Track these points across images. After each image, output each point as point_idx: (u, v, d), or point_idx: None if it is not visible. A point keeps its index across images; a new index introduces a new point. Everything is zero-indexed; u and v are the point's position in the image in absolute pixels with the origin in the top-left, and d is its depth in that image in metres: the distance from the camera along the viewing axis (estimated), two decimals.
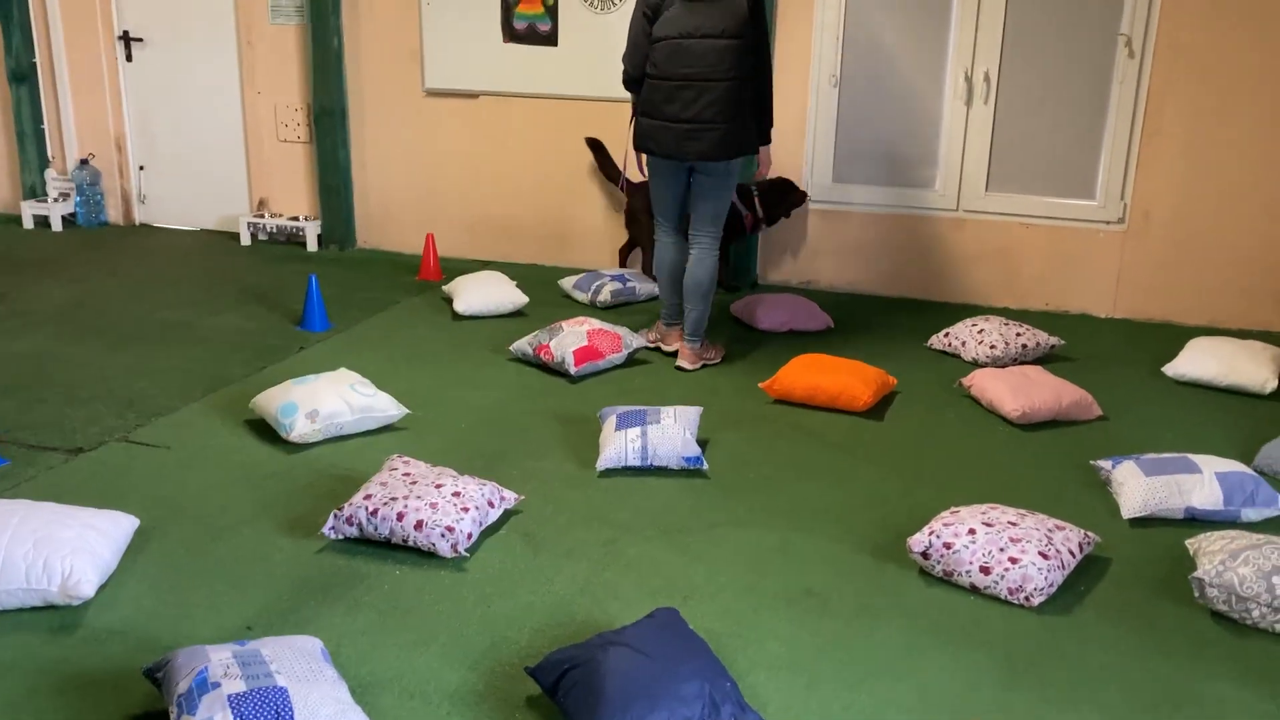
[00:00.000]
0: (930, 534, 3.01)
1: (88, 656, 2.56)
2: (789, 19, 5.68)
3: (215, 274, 6.07)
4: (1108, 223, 5.54)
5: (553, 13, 6.04)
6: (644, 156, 4.64)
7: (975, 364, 4.78)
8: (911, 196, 5.77)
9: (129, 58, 6.92)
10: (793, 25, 5.68)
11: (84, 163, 7.02)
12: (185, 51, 6.81)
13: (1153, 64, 5.29)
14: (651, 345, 4.93)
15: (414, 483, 3.17)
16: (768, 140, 4.65)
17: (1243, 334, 5.29)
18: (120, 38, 6.88)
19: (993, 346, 4.76)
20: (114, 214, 7.19)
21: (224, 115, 6.82)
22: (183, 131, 6.95)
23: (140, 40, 6.87)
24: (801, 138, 5.82)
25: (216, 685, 2.18)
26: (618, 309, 5.55)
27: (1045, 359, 4.88)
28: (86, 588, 2.70)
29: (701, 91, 4.33)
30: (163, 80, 6.91)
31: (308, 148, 6.66)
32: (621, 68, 4.59)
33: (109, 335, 4.93)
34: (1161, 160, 5.39)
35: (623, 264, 6.14)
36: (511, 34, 6.13)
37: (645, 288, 5.71)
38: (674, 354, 4.80)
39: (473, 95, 6.29)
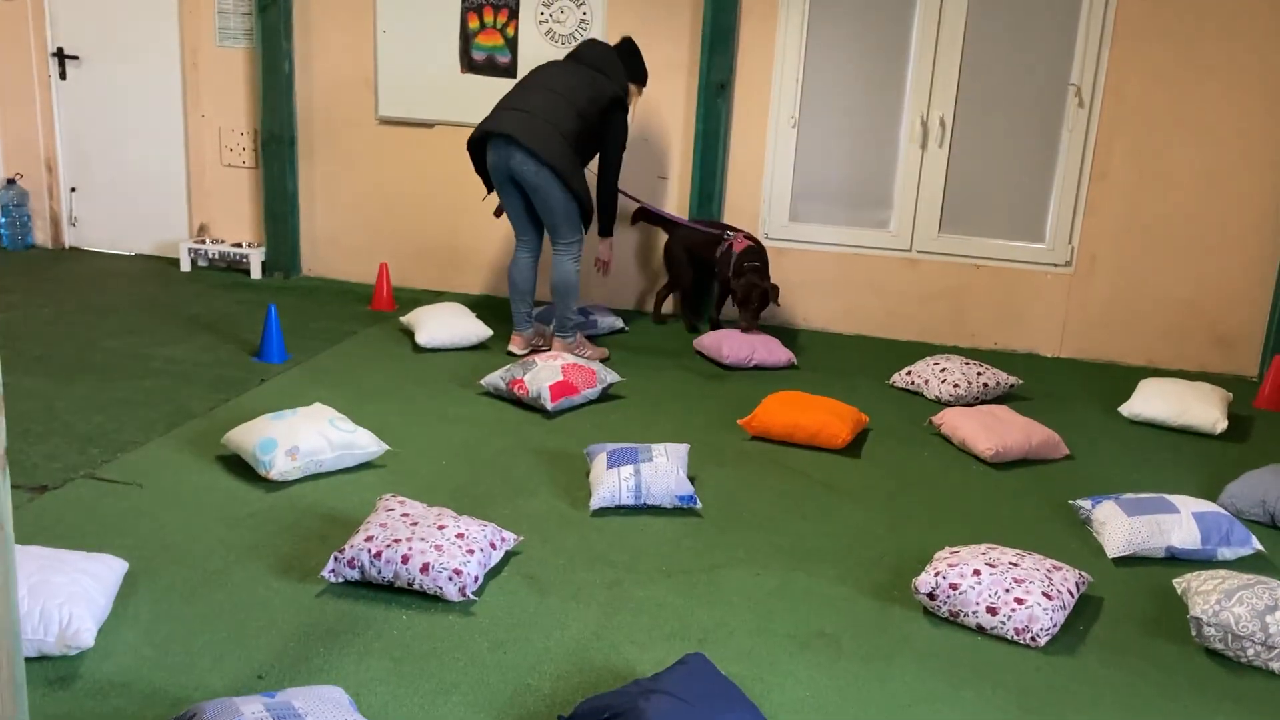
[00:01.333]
0: (936, 575, 3.05)
1: (92, 711, 2.43)
2: (749, 59, 5.77)
3: (157, 301, 5.87)
4: (1056, 265, 5.73)
5: (512, 45, 6.02)
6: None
7: (939, 402, 4.88)
8: (866, 236, 5.88)
9: (63, 75, 6.68)
10: (753, 66, 5.76)
11: (10, 182, 6.75)
12: (124, 71, 6.60)
13: (1101, 112, 5.50)
14: (521, 352, 5.29)
15: (414, 524, 3.10)
16: (608, 232, 5.26)
17: (1182, 374, 5.51)
18: (54, 54, 6.64)
19: (955, 385, 4.87)
20: (41, 236, 6.91)
21: (164, 138, 6.63)
22: (119, 153, 6.72)
23: (75, 58, 6.64)
24: (759, 176, 5.90)
25: None
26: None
27: (1005, 398, 5.00)
28: (86, 637, 2.57)
29: (535, 95, 4.91)
30: (99, 99, 6.68)
31: (253, 173, 6.51)
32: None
33: (52, 365, 4.73)
34: (1107, 205, 5.59)
35: (659, 308, 6.03)
36: (470, 64, 6.09)
37: (605, 320, 5.71)
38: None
39: (428, 125, 6.22)
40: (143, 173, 6.71)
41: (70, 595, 2.61)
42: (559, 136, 4.81)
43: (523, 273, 5.19)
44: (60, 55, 6.65)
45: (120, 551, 3.11)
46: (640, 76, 5.21)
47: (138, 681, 2.55)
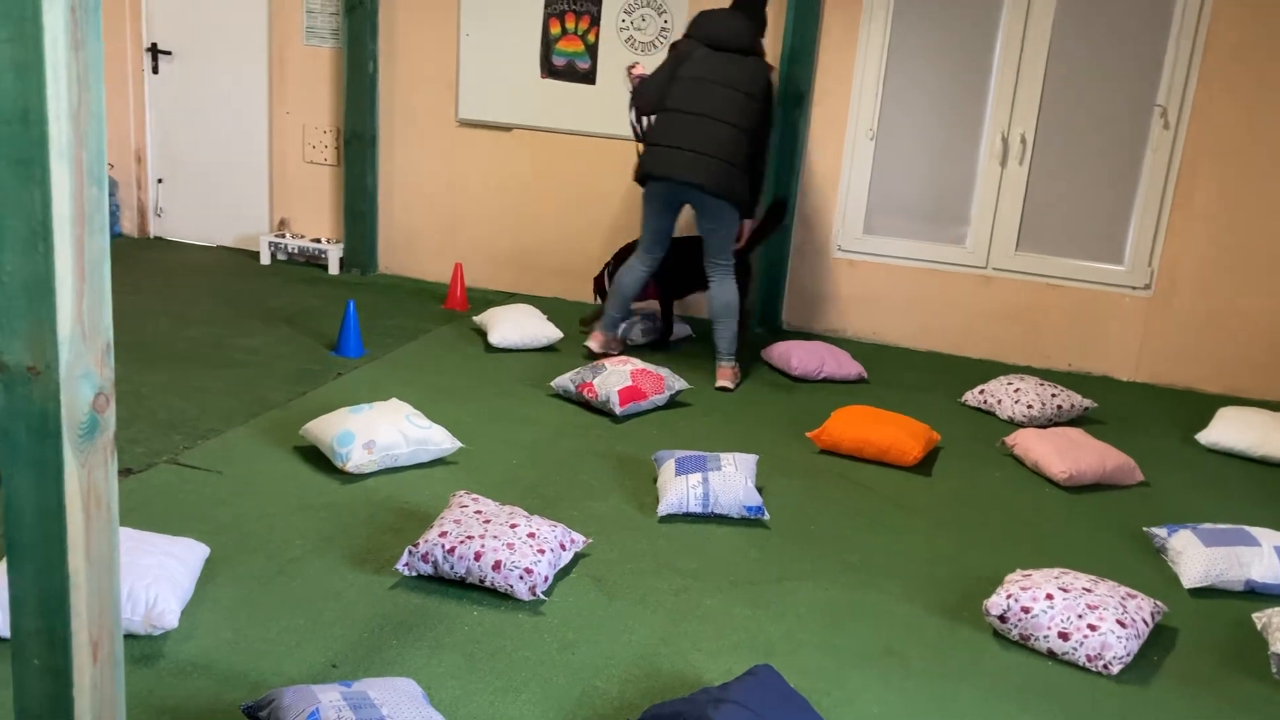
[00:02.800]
0: (1008, 597, 3.02)
1: (175, 689, 2.50)
2: (829, 71, 5.75)
3: (239, 293, 6.00)
4: (1134, 288, 5.63)
5: (593, 51, 6.07)
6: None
7: (1011, 423, 4.82)
8: (941, 252, 5.83)
9: (155, 70, 6.86)
10: (833, 77, 5.75)
11: None
12: (214, 67, 6.77)
13: (1186, 135, 5.40)
14: (599, 351, 5.22)
15: (487, 521, 3.14)
16: (751, 215, 5.09)
17: (1263, 404, 5.39)
18: (148, 49, 6.83)
19: (1029, 406, 4.81)
20: (128, 226, 7.10)
21: (249, 133, 6.78)
22: (205, 147, 6.89)
23: (169, 53, 6.82)
24: (835, 188, 5.88)
25: None
26: (647, 348, 5.56)
27: (1078, 421, 4.93)
28: (170, 618, 2.64)
29: (709, 128, 4.74)
30: (189, 94, 6.86)
31: (335, 170, 6.63)
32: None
33: (139, 352, 4.86)
34: (1190, 229, 5.49)
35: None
36: (550, 70, 6.15)
37: (676, 328, 5.72)
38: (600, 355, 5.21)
39: (506, 128, 6.30)
40: (227, 167, 6.87)
41: (157, 577, 2.69)
42: (735, 170, 4.76)
43: (637, 283, 5.09)
44: (154, 50, 6.83)
45: (201, 536, 3.19)
46: (764, 30, 5.09)
47: (217, 664, 2.61)
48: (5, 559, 1.72)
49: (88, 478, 1.66)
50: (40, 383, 1.59)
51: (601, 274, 5.67)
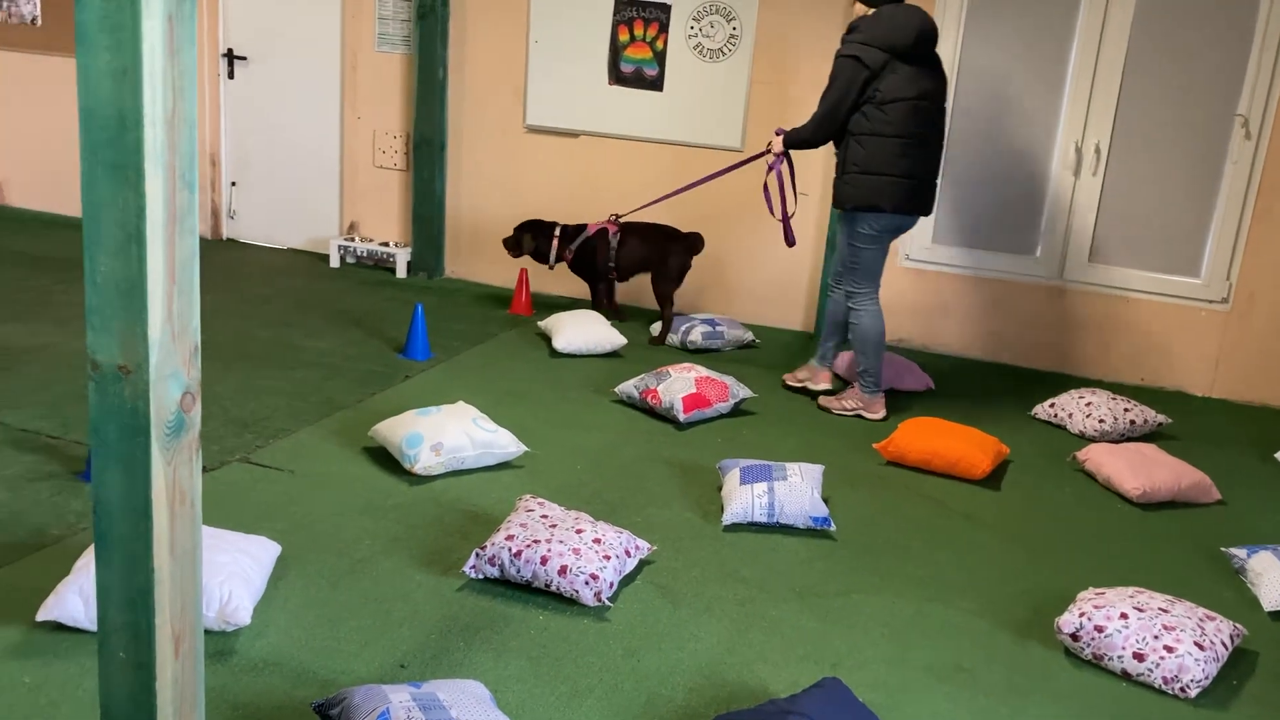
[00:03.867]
0: (1080, 615, 2.96)
1: (248, 686, 2.54)
2: None
3: (308, 295, 6.10)
4: (1211, 301, 5.50)
5: (660, 59, 6.08)
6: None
7: (1082, 437, 4.73)
8: (1011, 262, 5.75)
9: (231, 75, 7.00)
10: None
11: None
12: (288, 72, 6.89)
13: (1269, 146, 5.27)
14: (797, 385, 5.03)
15: (553, 526, 3.15)
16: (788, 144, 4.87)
17: None
18: (224, 55, 6.97)
19: (1101, 421, 4.72)
20: (202, 228, 7.25)
21: (321, 138, 6.89)
22: (278, 151, 7.02)
23: (244, 59, 6.96)
24: None
25: None
26: (706, 353, 5.55)
27: (1151, 436, 4.83)
28: (244, 615, 2.69)
29: (932, 150, 4.59)
30: (263, 99, 6.99)
31: (403, 175, 6.71)
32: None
33: (212, 352, 4.95)
34: (1271, 242, 5.36)
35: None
36: (618, 77, 6.17)
37: (733, 333, 5.69)
38: (819, 392, 5.00)
39: (573, 134, 6.33)
40: (299, 171, 6.99)
41: (231, 574, 2.73)
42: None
43: (880, 324, 4.74)
44: (230, 56, 6.97)
45: (272, 534, 3.24)
46: None
47: (288, 661, 2.65)
48: (93, 553, 1.75)
49: (173, 475, 1.69)
50: (130, 382, 1.62)
51: (513, 238, 5.97)
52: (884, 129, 4.45)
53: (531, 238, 5.91)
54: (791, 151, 4.91)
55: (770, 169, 4.95)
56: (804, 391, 5.03)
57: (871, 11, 4.50)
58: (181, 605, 1.75)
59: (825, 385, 5.00)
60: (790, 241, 5.05)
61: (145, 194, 1.55)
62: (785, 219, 5.02)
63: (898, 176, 4.49)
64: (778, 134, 4.87)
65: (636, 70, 6.14)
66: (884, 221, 4.57)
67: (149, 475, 1.65)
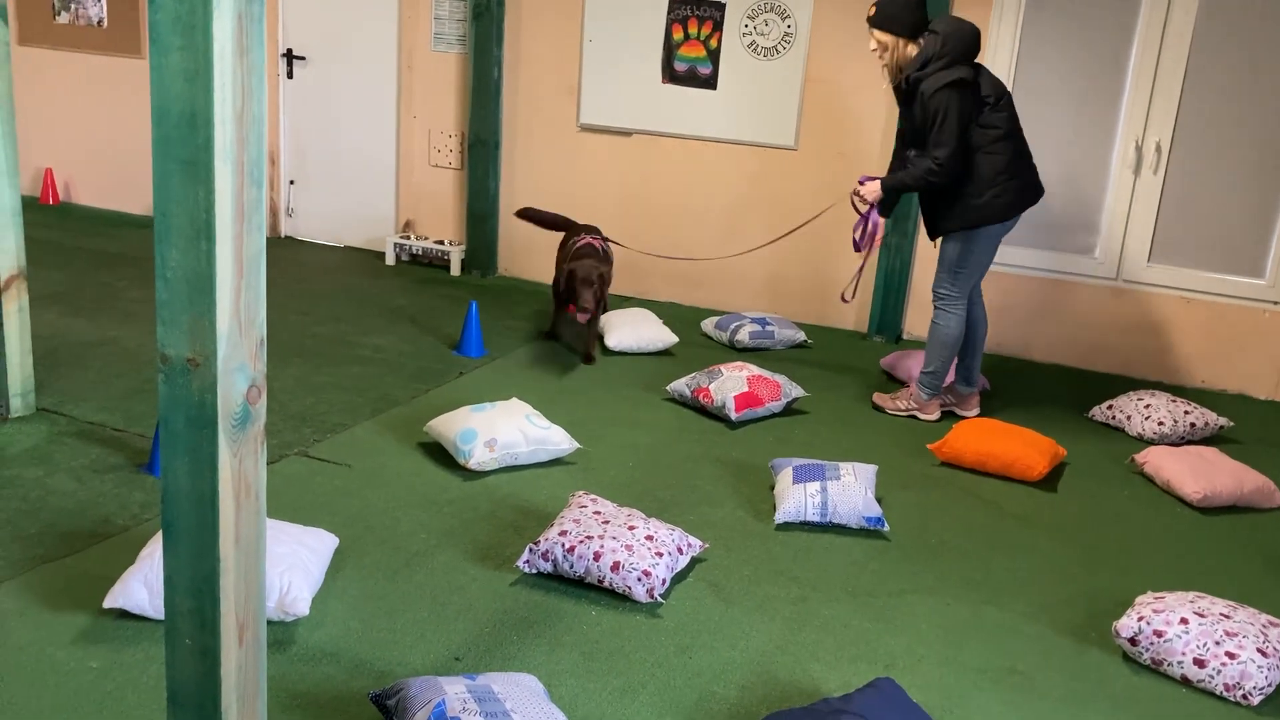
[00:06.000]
0: (1139, 620, 2.92)
1: (306, 675, 2.58)
2: None
3: (364, 292, 6.17)
4: (1275, 303, 5.39)
5: (714, 57, 6.08)
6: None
7: (1141, 440, 4.66)
8: (1069, 262, 5.67)
9: (290, 74, 7.11)
10: None
11: None
12: (345, 72, 6.98)
13: None
14: (943, 409, 4.85)
15: (606, 522, 3.16)
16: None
17: None
18: (284, 55, 7.07)
19: (1160, 423, 4.64)
20: None
21: (378, 137, 6.97)
22: (335, 150, 7.11)
23: (303, 58, 7.06)
24: None
25: (456, 719, 2.18)
26: (756, 352, 5.53)
27: (1212, 440, 4.74)
28: (302, 605, 2.73)
29: (1021, 142, 4.54)
30: (321, 98, 7.08)
31: (458, 174, 6.77)
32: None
33: (271, 347, 5.03)
34: None
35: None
36: (671, 75, 6.18)
37: (784, 332, 5.67)
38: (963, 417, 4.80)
39: (626, 133, 6.34)
40: (356, 169, 7.07)
41: (290, 565, 2.78)
42: None
43: (962, 331, 4.68)
44: (289, 56, 7.07)
45: (329, 527, 3.29)
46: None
47: (345, 652, 2.69)
48: (160, 542, 1.79)
49: (239, 466, 1.73)
50: (199, 374, 1.66)
51: (559, 281, 5.26)
52: (985, 142, 4.40)
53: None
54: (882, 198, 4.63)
55: (866, 219, 4.68)
56: (952, 415, 4.82)
57: (931, 36, 4.37)
58: (245, 594, 1.78)
59: (975, 410, 4.81)
60: (850, 297, 5.16)
61: (215, 190, 1.59)
62: (859, 273, 5.06)
63: (1007, 181, 4.43)
64: (865, 182, 4.62)
65: (690, 69, 6.14)
66: (1002, 229, 4.55)
67: (215, 466, 1.68)
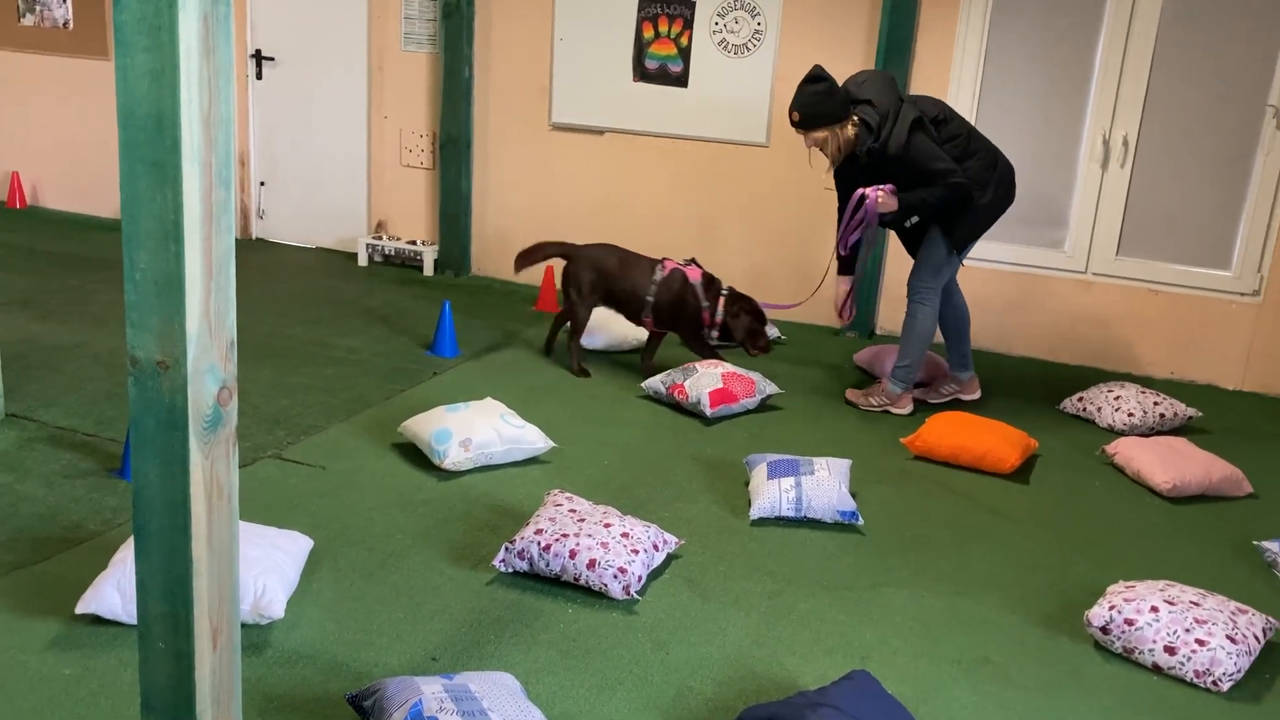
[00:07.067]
0: (1111, 609, 2.95)
1: (282, 678, 2.57)
2: (925, 71, 5.68)
3: (336, 293, 6.15)
4: (1242, 294, 5.46)
5: (685, 55, 6.09)
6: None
7: (1111, 431, 4.71)
8: (1039, 256, 5.72)
9: (259, 76, 7.06)
10: (928, 77, 5.68)
11: None
12: (315, 73, 6.94)
13: None
14: (947, 397, 4.94)
15: (581, 520, 3.17)
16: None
17: None
18: (253, 56, 7.03)
19: (1130, 414, 4.69)
20: None
21: (349, 137, 6.94)
22: (306, 151, 7.07)
23: (271, 59, 7.02)
24: None
25: (433, 719, 2.18)
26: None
27: (1182, 430, 4.79)
28: (277, 608, 2.72)
29: (983, 144, 4.62)
30: (290, 100, 7.04)
31: (430, 174, 6.75)
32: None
33: (243, 350, 4.93)
34: None
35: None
36: (642, 73, 6.18)
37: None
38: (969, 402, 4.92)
39: (598, 132, 6.35)
40: (327, 170, 7.04)
41: (265, 568, 2.77)
42: None
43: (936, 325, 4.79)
44: (258, 57, 7.03)
45: (304, 529, 3.27)
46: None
47: (321, 654, 2.68)
48: (130, 547, 1.79)
49: (210, 468, 1.72)
50: (169, 376, 1.65)
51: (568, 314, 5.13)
52: (959, 152, 4.48)
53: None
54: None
55: (864, 223, 4.52)
56: (954, 404, 4.88)
57: (864, 106, 4.43)
58: (219, 597, 1.78)
59: (978, 393, 4.93)
60: (849, 316, 5.02)
61: (183, 192, 1.58)
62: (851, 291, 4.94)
63: (994, 173, 4.55)
64: (876, 192, 4.43)
65: (661, 67, 6.15)
66: (982, 232, 4.69)
67: (187, 468, 1.68)
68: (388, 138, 6.82)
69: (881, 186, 4.45)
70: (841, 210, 4.70)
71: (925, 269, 4.67)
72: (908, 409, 4.78)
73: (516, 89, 6.46)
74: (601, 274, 4.99)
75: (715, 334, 4.94)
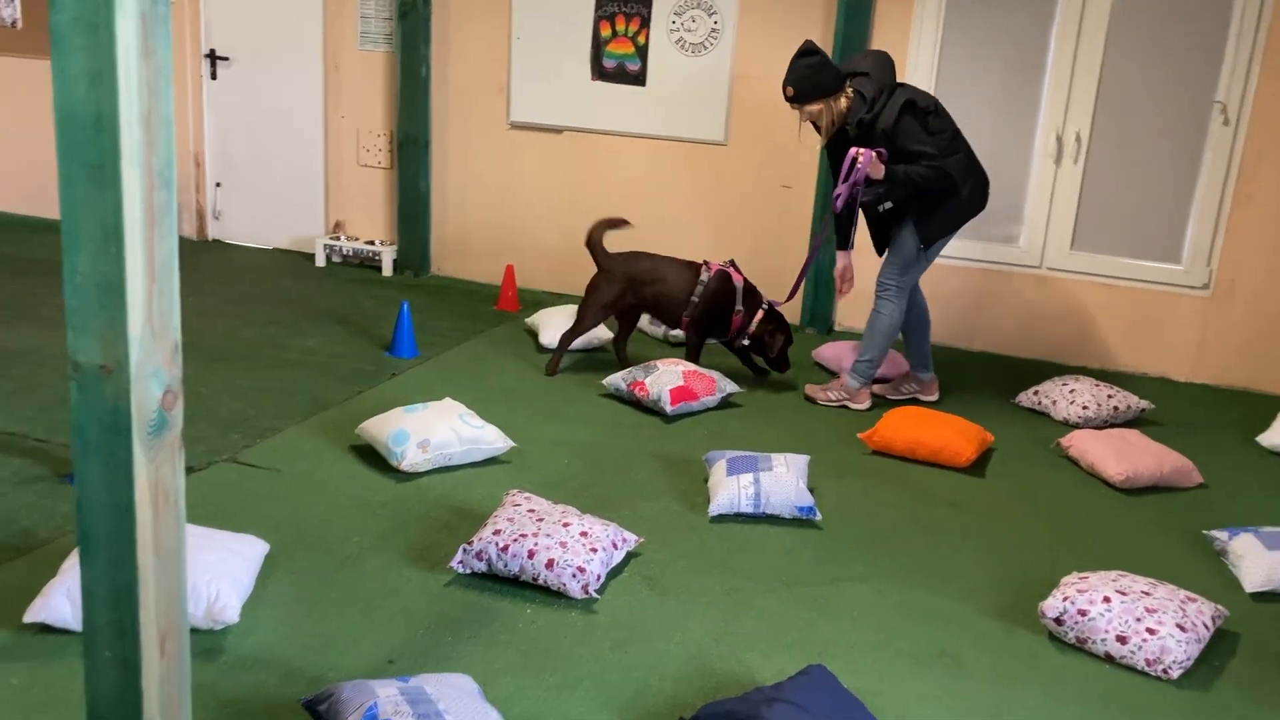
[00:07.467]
0: (1064, 599, 2.99)
1: (237, 683, 2.55)
2: None
3: (294, 294, 6.09)
4: (1192, 287, 5.54)
5: (643, 53, 6.09)
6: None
7: (1066, 424, 4.76)
8: (995, 251, 5.77)
9: (214, 75, 6.99)
10: None
11: None
12: (271, 72, 6.88)
13: (1247, 132, 5.30)
14: (905, 395, 4.95)
15: (540, 520, 3.16)
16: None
17: None
18: (207, 55, 6.95)
19: (1084, 407, 4.75)
20: (187, 229, 7.23)
21: (305, 137, 6.88)
22: (262, 151, 7.00)
23: (226, 59, 6.94)
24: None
25: None
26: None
27: (1135, 422, 4.86)
28: (231, 613, 2.70)
29: (962, 139, 4.62)
30: (246, 99, 6.97)
31: (388, 174, 6.71)
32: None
33: (198, 353, 4.95)
34: (1251, 228, 5.39)
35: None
36: (600, 72, 6.18)
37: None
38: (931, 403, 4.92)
39: (557, 130, 6.34)
40: (283, 170, 6.98)
41: (218, 572, 2.74)
42: None
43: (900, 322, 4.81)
44: (212, 56, 6.96)
45: (260, 533, 3.24)
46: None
47: (277, 659, 2.66)
48: (78, 552, 1.76)
49: (156, 474, 1.70)
50: (112, 381, 1.63)
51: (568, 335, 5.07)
52: (943, 146, 4.48)
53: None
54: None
55: (855, 183, 4.44)
56: (913, 402, 4.91)
57: (862, 78, 4.47)
58: (166, 604, 1.76)
59: (936, 395, 4.94)
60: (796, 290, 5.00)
61: (123, 194, 1.56)
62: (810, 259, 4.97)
63: (972, 173, 4.58)
64: (869, 153, 4.39)
65: (619, 65, 6.15)
66: (953, 230, 4.68)
67: (131, 474, 1.65)
68: (345, 138, 6.77)
69: (874, 149, 4.44)
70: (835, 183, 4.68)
71: (894, 266, 4.71)
72: (866, 404, 4.81)
73: (474, 88, 6.43)
74: (633, 283, 4.97)
75: (746, 342, 4.98)
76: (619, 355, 5.13)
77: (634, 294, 4.98)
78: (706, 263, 5.00)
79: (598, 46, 6.15)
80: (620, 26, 6.10)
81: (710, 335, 5.02)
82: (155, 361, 1.66)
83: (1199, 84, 5.34)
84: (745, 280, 4.97)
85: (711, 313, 4.93)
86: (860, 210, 4.69)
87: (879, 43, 5.70)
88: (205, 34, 6.94)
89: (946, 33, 5.63)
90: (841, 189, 4.49)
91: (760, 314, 4.93)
